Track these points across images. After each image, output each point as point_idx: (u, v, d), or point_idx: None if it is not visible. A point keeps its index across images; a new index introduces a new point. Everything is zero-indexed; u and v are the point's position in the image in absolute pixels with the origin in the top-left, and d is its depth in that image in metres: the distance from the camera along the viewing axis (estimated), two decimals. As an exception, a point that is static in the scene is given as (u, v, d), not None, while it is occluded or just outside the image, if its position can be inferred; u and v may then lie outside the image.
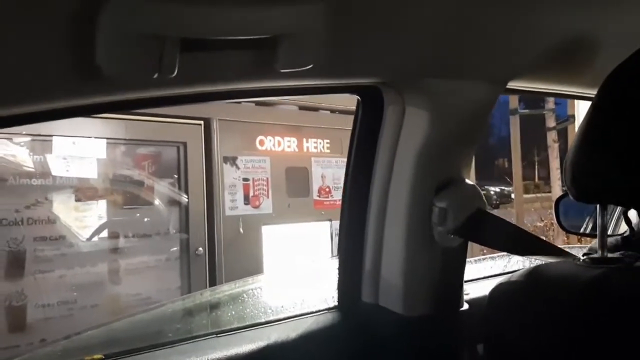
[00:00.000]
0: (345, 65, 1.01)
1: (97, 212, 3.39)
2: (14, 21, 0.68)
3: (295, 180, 4.27)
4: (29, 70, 0.75)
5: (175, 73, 0.76)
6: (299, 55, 0.86)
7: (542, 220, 8.42)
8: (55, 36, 0.72)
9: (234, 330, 1.24)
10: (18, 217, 3.07)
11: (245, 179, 3.98)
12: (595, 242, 1.13)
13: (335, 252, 4.24)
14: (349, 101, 4.16)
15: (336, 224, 4.34)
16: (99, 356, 1.12)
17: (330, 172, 4.46)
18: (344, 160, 4.31)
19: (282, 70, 0.86)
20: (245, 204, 3.97)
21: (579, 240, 5.41)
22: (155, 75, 0.76)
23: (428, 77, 1.11)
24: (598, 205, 0.98)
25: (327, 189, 4.44)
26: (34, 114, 0.83)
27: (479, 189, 1.25)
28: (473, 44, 1.05)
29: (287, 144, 4.26)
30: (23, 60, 0.73)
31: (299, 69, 0.88)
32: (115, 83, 0.80)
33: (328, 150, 4.47)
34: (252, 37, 0.79)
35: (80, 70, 0.76)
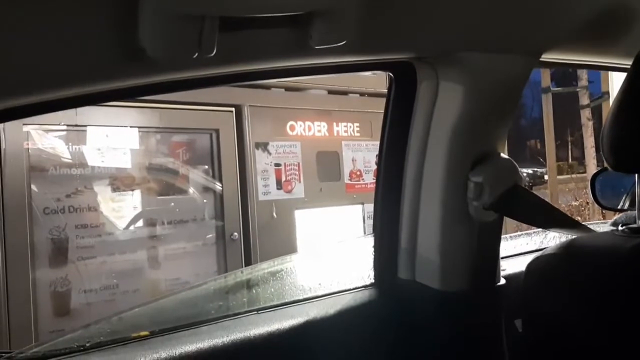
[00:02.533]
0: (378, 41, 1.02)
1: (134, 201, 3.47)
2: (57, 5, 0.71)
3: (326, 164, 4.28)
4: (74, 55, 0.77)
5: (214, 52, 0.78)
6: (333, 32, 0.87)
7: (577, 200, 8.26)
8: (98, 19, 0.74)
9: (274, 307, 1.26)
10: (59, 206, 3.16)
11: (277, 164, 4.01)
12: (621, 215, 1.11)
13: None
14: (378, 83, 4.14)
15: (368, 207, 4.33)
16: (145, 333, 1.15)
17: (360, 155, 4.45)
18: (374, 144, 4.24)
19: (316, 47, 0.87)
20: (277, 188, 4.00)
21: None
22: (195, 55, 0.78)
23: (462, 51, 1.11)
24: (636, 175, 0.97)
25: (358, 172, 4.44)
26: (79, 97, 0.86)
27: (514, 163, 1.24)
28: (507, 16, 1.05)
29: (318, 129, 4.27)
30: (68, 45, 0.75)
31: (333, 45, 0.88)
32: (157, 64, 0.83)
33: (358, 134, 4.45)
34: (287, 14, 0.81)
35: (123, 53, 0.78)
